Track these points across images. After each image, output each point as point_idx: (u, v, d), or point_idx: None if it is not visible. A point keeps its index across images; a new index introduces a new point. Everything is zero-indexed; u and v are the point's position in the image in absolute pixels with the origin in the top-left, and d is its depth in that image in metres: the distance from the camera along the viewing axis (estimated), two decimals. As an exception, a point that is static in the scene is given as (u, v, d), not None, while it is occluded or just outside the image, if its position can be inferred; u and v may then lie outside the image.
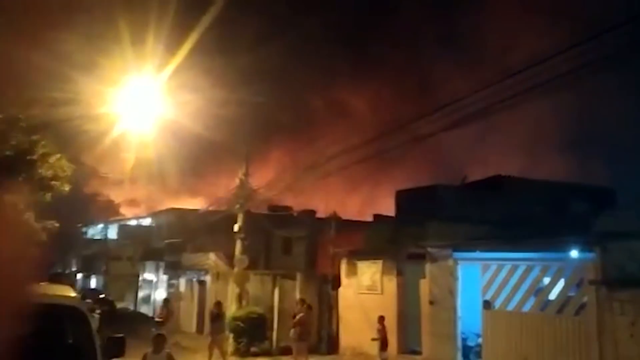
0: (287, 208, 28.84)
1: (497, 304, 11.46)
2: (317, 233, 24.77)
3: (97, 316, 16.49)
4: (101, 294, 29.38)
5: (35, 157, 11.32)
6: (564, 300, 10.37)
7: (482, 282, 11.81)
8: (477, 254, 12.12)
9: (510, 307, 11.14)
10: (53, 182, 12.21)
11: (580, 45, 8.45)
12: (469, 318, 12.17)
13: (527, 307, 10.97)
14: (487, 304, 11.58)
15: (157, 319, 17.57)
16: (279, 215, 27.27)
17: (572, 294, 10.32)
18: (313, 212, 30.00)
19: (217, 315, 15.88)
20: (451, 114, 11.30)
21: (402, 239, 16.24)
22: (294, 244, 27.90)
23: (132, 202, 41.78)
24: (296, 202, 29.86)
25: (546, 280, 10.89)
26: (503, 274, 11.41)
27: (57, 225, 13.85)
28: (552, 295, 10.73)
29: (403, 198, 22.09)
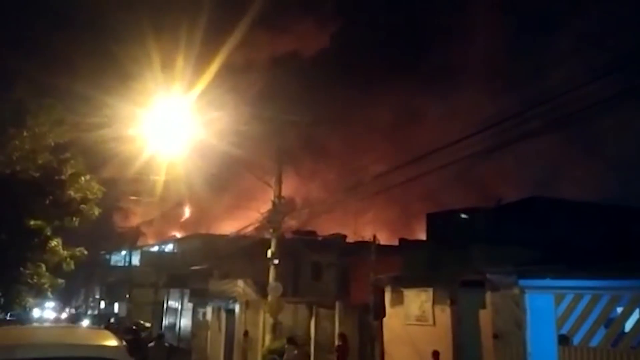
0: (312, 233, 27.70)
1: (577, 339, 10.12)
2: (348, 258, 23.55)
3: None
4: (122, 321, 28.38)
5: (64, 177, 10.39)
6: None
7: (556, 314, 10.48)
8: (548, 282, 10.81)
9: (594, 343, 9.79)
10: (82, 206, 11.29)
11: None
12: (540, 355, 10.81)
13: (615, 343, 9.64)
14: (564, 339, 10.24)
15: None
16: (308, 240, 26.07)
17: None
18: (343, 236, 28.69)
19: None
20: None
21: (451, 264, 15.00)
22: (324, 270, 26.63)
23: (158, 226, 41.11)
24: (321, 227, 28.72)
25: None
26: (582, 304, 10.09)
27: (85, 252, 12.87)
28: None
29: (435, 222, 20.83)
